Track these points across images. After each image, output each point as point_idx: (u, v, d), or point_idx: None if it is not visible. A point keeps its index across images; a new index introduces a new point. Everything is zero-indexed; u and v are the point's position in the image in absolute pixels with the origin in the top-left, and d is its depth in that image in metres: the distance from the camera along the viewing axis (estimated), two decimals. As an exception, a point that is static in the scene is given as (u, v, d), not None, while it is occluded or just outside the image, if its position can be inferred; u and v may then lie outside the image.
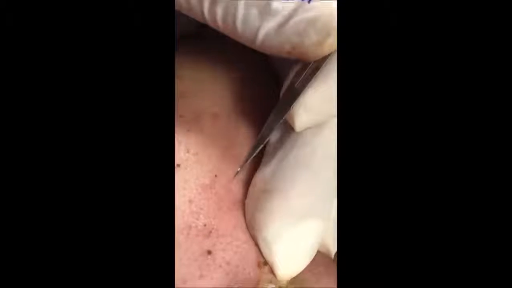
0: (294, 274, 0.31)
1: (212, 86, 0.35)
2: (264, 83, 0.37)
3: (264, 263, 0.32)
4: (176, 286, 0.29)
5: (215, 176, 0.32)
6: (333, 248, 0.33)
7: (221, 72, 0.36)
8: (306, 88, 0.28)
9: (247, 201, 0.33)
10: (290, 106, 0.28)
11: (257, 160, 0.34)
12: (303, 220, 0.30)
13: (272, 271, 0.31)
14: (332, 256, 0.33)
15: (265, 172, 0.32)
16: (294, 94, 0.28)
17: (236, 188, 0.33)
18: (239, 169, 0.32)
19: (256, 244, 0.32)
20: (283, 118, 0.29)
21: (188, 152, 0.32)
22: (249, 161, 0.31)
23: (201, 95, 0.34)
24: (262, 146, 0.30)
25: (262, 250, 0.31)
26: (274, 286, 0.31)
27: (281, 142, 0.33)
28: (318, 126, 0.30)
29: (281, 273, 0.31)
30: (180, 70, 0.34)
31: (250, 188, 0.33)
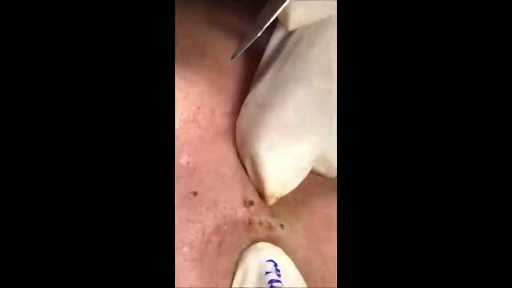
0: (283, 192, 0.29)
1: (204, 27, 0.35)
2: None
3: (250, 202, 0.30)
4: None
5: (198, 108, 0.31)
6: (335, 165, 0.30)
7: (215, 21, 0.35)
8: None
9: (238, 123, 0.31)
10: (282, 2, 0.26)
11: (241, 91, 0.33)
12: (298, 134, 0.29)
13: (259, 211, 0.30)
14: (334, 176, 0.31)
15: (259, 87, 0.31)
16: None
17: (219, 120, 0.32)
18: (232, 59, 0.29)
19: (244, 168, 0.31)
20: (275, 14, 0.27)
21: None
22: (236, 57, 0.29)
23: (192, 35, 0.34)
24: (252, 41, 0.28)
25: (253, 165, 0.30)
26: (265, 228, 0.29)
27: (274, 58, 0.31)
28: (312, 40, 0.29)
29: (271, 190, 0.29)
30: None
31: (242, 109, 0.31)
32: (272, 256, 0.28)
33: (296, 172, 0.29)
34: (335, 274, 0.27)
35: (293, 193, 0.30)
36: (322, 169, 0.31)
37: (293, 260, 0.28)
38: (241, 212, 0.30)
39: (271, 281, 0.27)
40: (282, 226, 0.30)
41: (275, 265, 0.27)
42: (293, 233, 0.30)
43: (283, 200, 0.30)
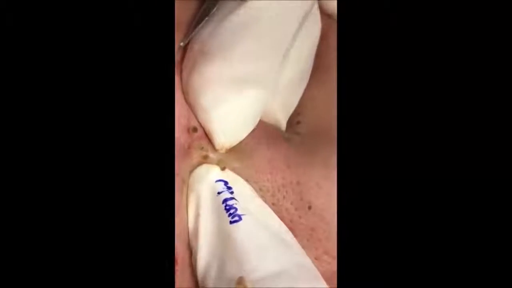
0: (233, 144, 0.29)
1: None
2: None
3: (193, 129, 0.30)
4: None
5: None
6: (283, 119, 0.31)
7: None
8: None
9: (183, 66, 0.30)
10: None
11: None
12: (244, 86, 0.28)
13: (202, 137, 0.30)
14: (283, 128, 0.31)
15: (202, 33, 0.29)
16: None
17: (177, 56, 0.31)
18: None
19: (191, 110, 0.30)
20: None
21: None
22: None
23: None
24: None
25: (199, 117, 0.29)
26: (206, 152, 0.29)
27: (222, 4, 0.30)
28: None
29: (220, 142, 0.29)
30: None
31: (188, 52, 0.30)
32: (221, 176, 0.28)
33: (244, 124, 0.29)
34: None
35: (244, 141, 0.30)
36: (271, 121, 0.31)
37: None
38: (184, 138, 0.29)
39: (225, 200, 0.26)
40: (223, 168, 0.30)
41: (226, 183, 0.27)
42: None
43: (234, 148, 0.30)
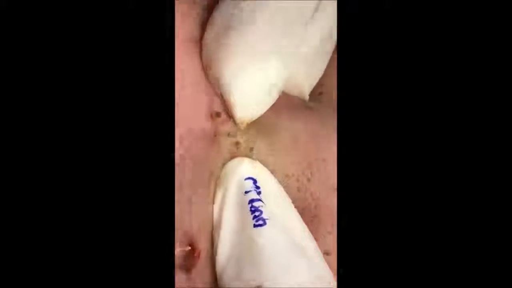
0: (253, 117, 0.29)
1: None
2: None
3: (216, 114, 0.29)
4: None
5: None
6: (306, 88, 0.30)
7: None
8: None
9: (204, 40, 0.29)
10: None
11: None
12: (265, 58, 0.28)
13: (226, 122, 0.29)
14: (306, 98, 0.31)
15: (224, 10, 0.29)
16: None
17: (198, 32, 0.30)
18: None
19: (211, 88, 0.29)
20: None
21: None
22: None
23: None
24: None
25: (222, 90, 0.29)
26: (234, 138, 0.29)
27: None
28: None
29: (240, 116, 0.28)
30: None
31: (209, 27, 0.29)
32: (251, 172, 0.28)
33: (265, 96, 0.29)
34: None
35: (265, 115, 0.29)
36: (294, 92, 0.30)
37: None
38: (207, 124, 0.29)
39: (251, 201, 0.26)
40: (251, 149, 0.30)
41: (255, 182, 0.27)
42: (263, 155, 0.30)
43: (255, 122, 0.29)
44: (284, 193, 0.29)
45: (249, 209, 0.27)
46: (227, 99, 0.28)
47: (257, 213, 0.26)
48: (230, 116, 0.29)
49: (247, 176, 0.28)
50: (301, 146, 0.30)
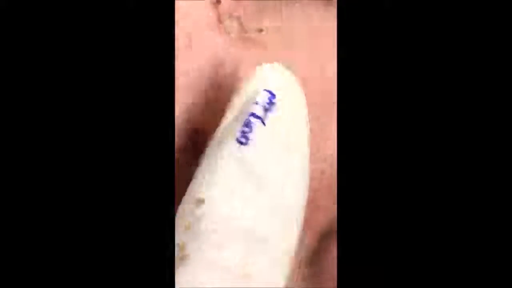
0: None
1: None
2: None
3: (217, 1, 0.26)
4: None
5: None
6: None
7: None
8: None
9: None
10: None
11: None
12: None
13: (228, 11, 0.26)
14: None
15: None
16: None
17: None
18: None
19: None
20: None
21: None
22: None
23: None
24: None
25: None
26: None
27: None
28: None
29: None
30: None
31: None
32: (278, 86, 0.22)
33: None
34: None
35: None
36: None
37: None
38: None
39: (252, 114, 0.22)
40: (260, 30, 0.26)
41: (272, 97, 0.22)
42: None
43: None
44: (304, 132, 0.22)
45: (243, 119, 0.22)
46: None
47: (246, 129, 0.21)
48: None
49: (268, 88, 0.22)
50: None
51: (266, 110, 0.22)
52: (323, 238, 0.28)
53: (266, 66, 0.23)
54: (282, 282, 0.21)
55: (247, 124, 0.21)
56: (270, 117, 0.22)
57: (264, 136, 0.22)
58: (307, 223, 0.23)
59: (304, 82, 0.23)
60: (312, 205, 0.24)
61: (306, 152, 0.23)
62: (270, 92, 0.22)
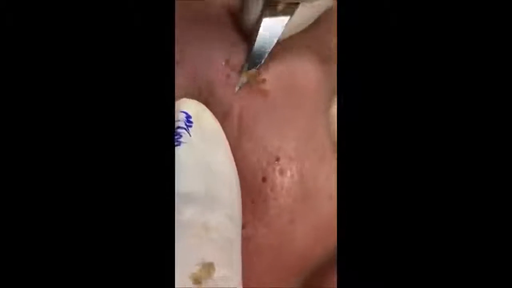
0: None
1: None
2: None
3: None
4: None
5: None
6: None
7: None
8: None
9: None
10: None
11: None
12: None
13: None
14: None
15: None
16: None
17: None
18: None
19: None
20: None
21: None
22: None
23: None
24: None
25: None
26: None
27: None
28: None
29: None
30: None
31: None
32: (189, 107, 0.28)
33: None
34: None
35: None
36: None
37: None
38: None
39: (178, 133, 0.27)
40: None
41: (188, 116, 0.27)
42: None
43: None
44: (221, 133, 0.28)
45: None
46: None
47: (177, 136, 0.26)
48: None
49: (183, 110, 0.27)
50: None
51: (188, 125, 0.27)
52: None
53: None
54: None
55: (176, 134, 0.27)
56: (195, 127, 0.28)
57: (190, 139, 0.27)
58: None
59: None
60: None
61: (225, 146, 0.28)
62: (186, 113, 0.27)
